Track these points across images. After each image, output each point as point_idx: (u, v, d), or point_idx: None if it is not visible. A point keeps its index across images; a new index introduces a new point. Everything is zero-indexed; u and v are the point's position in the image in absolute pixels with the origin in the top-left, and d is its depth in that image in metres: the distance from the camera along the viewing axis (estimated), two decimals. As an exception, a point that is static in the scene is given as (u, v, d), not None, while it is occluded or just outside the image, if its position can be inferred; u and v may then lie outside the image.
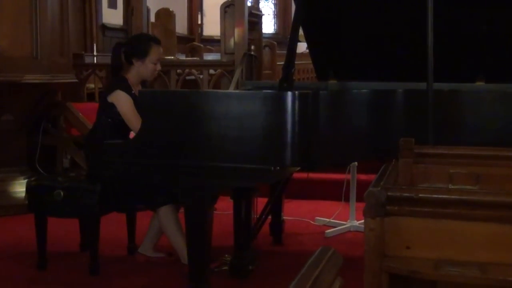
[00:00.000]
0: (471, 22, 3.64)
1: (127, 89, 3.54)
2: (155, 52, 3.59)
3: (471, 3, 3.61)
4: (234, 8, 6.09)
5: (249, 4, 6.62)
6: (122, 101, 3.49)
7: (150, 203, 3.55)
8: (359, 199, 4.36)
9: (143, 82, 3.75)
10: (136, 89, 3.60)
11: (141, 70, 3.58)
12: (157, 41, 3.71)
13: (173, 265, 3.65)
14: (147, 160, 3.06)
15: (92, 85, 6.76)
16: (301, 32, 3.58)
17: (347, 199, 4.72)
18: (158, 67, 3.64)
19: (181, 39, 10.74)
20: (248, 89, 4.02)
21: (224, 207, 4.48)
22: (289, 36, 3.31)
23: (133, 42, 3.68)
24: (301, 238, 4.40)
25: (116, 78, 3.62)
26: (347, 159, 3.76)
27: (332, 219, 4.68)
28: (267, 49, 7.85)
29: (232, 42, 6.16)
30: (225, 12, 6.25)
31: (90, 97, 6.67)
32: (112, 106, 3.49)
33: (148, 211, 3.79)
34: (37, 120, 5.41)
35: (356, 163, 4.50)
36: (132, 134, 3.42)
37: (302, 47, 7.36)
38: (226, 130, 2.93)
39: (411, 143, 2.36)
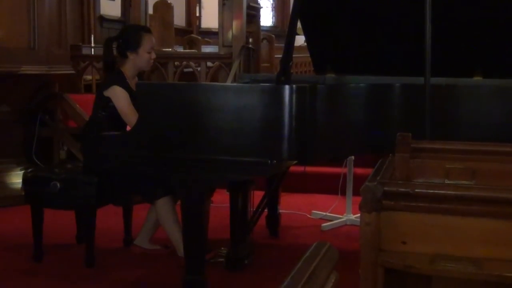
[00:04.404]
0: (469, 17, 3.64)
1: (124, 83, 3.54)
2: (147, 41, 3.58)
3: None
4: (233, 1, 6.08)
5: (247, -4, 6.59)
6: (118, 96, 3.49)
7: (148, 195, 3.55)
8: (355, 193, 4.37)
9: (140, 74, 3.74)
10: (133, 82, 3.60)
11: (136, 61, 3.58)
12: (147, 30, 3.73)
13: (169, 257, 3.65)
14: (144, 152, 3.06)
15: (89, 77, 6.75)
16: (299, 25, 3.57)
17: (343, 193, 4.73)
18: (153, 55, 3.64)
19: (179, 31, 10.72)
20: (246, 82, 4.02)
21: (220, 200, 4.48)
22: (287, 29, 3.30)
23: (124, 35, 3.66)
24: (297, 231, 4.40)
25: (112, 72, 3.62)
26: (344, 153, 3.77)
27: (329, 213, 4.68)
28: (265, 42, 7.84)
29: (230, 34, 6.15)
30: (224, 4, 6.23)
31: (88, 88, 6.66)
32: (108, 100, 3.49)
33: (144, 203, 3.79)
34: (34, 112, 5.40)
35: (353, 157, 4.50)
36: (129, 128, 3.41)
37: (300, 40, 7.37)
38: (223, 123, 2.93)
39: (408, 138, 2.36)
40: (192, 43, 9.10)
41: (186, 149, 2.99)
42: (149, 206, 3.73)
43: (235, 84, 4.15)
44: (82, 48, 7.00)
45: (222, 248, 3.62)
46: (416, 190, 1.83)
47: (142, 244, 3.81)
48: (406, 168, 2.32)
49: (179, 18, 11.29)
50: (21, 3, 4.73)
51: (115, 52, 3.66)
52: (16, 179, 4.94)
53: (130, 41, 3.58)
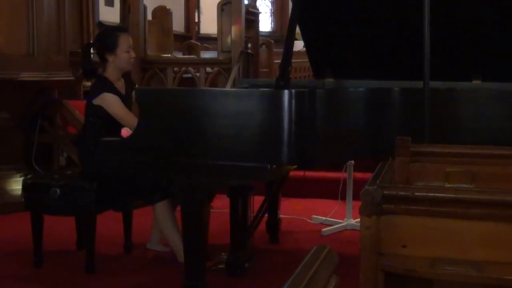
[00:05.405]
0: (468, 20, 3.64)
1: (111, 88, 3.54)
2: (124, 41, 3.59)
3: (468, 1, 3.61)
4: (231, 6, 6.09)
5: (246, 2, 6.60)
6: (111, 102, 3.49)
7: (147, 198, 3.55)
8: (355, 197, 4.36)
9: (126, 76, 3.74)
10: (119, 84, 3.61)
11: (116, 63, 3.58)
12: (122, 30, 3.76)
13: (169, 263, 3.65)
14: (144, 158, 3.06)
15: (88, 83, 6.74)
16: (298, 30, 3.57)
17: (343, 198, 4.72)
18: (132, 54, 3.63)
19: (178, 37, 10.71)
20: (245, 87, 4.02)
21: (220, 205, 4.47)
22: (286, 34, 3.30)
23: (100, 38, 3.68)
24: (297, 236, 4.40)
25: (97, 80, 3.64)
26: (344, 157, 3.77)
27: (329, 218, 4.68)
28: (264, 47, 7.84)
29: (229, 40, 6.15)
30: (222, 10, 6.24)
31: (87, 95, 6.65)
32: (99, 108, 3.49)
33: (144, 209, 3.78)
34: (34, 118, 5.39)
35: (352, 161, 4.50)
36: (124, 131, 3.41)
37: (299, 45, 7.37)
38: (222, 128, 2.93)
39: (407, 142, 2.36)
40: (191, 49, 9.10)
41: (186, 154, 2.99)
42: (149, 210, 3.72)
43: (234, 89, 4.15)
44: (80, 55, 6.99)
45: (222, 253, 3.61)
46: (416, 194, 1.83)
47: (154, 247, 3.80)
48: (405, 171, 2.32)
49: (178, 24, 11.29)
50: (20, 9, 4.74)
51: (94, 57, 3.68)
52: (15, 185, 4.94)
53: (106, 44, 3.58)
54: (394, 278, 1.84)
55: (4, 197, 4.96)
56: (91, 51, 3.74)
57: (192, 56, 8.47)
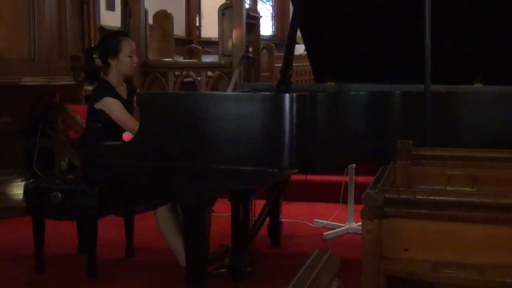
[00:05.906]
0: (469, 24, 3.64)
1: (113, 92, 3.55)
2: (126, 45, 3.59)
3: (469, 3, 3.61)
4: (232, 10, 6.10)
5: (247, 6, 6.62)
6: (112, 107, 3.49)
7: (148, 203, 3.54)
8: (357, 201, 4.36)
9: (128, 81, 3.74)
10: (120, 89, 3.62)
11: (119, 67, 3.59)
12: (125, 34, 3.76)
13: (170, 267, 3.64)
14: (145, 162, 3.06)
15: (90, 87, 6.75)
16: (299, 34, 3.57)
17: (345, 201, 4.72)
18: (135, 59, 3.63)
19: (179, 41, 10.74)
20: (246, 91, 4.02)
21: (222, 209, 4.47)
22: (287, 38, 3.31)
23: (102, 43, 3.68)
24: (299, 240, 4.39)
25: (99, 85, 3.64)
26: (345, 161, 3.76)
27: (330, 221, 4.67)
28: (265, 51, 7.85)
29: (230, 44, 6.16)
30: (223, 14, 6.25)
31: (88, 99, 6.65)
32: (101, 112, 3.49)
33: (146, 213, 3.78)
34: (35, 122, 5.40)
35: (354, 165, 4.50)
36: (125, 135, 3.41)
37: (300, 49, 7.39)
38: (224, 132, 2.93)
39: (408, 145, 2.36)
40: (192, 53, 9.11)
41: (187, 159, 2.99)
42: (150, 215, 3.72)
43: (235, 93, 4.15)
44: (83, 58, 7.00)
45: (226, 259, 3.59)
46: (418, 197, 1.83)
47: None
48: (407, 175, 2.32)
49: (179, 28, 11.30)
50: (21, 14, 4.74)
51: (97, 62, 3.68)
52: (17, 190, 4.93)
53: (109, 48, 3.59)
54: (396, 282, 1.84)
55: (6, 201, 4.96)
56: (94, 55, 3.74)
57: (193, 60, 8.49)
